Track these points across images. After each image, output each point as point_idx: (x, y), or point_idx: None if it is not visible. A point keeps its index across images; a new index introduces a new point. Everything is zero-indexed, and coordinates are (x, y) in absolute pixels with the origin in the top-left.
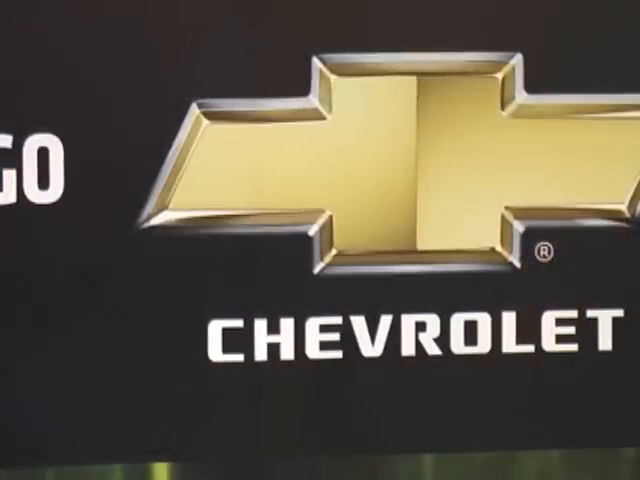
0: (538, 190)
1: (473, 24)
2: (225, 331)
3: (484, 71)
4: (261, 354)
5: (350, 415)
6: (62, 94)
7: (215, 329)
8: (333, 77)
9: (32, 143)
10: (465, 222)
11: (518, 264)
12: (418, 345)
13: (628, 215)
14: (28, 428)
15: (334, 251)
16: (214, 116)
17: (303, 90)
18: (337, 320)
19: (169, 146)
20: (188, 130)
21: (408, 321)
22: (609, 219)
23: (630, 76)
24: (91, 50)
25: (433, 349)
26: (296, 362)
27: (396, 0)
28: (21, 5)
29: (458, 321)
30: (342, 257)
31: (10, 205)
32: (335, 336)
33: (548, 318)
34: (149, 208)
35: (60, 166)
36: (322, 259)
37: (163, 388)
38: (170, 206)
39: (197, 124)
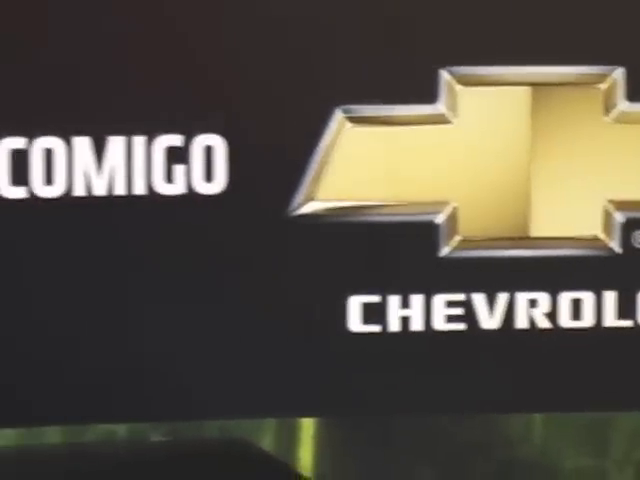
0: (637, 185)
1: (581, 40)
2: (364, 305)
3: (589, 82)
4: (394, 325)
5: (470, 378)
6: (225, 101)
7: (355, 303)
8: (458, 87)
9: (200, 142)
10: (572, 213)
11: (618, 250)
12: (530, 319)
13: None
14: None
15: (458, 237)
16: (356, 120)
17: (432, 98)
18: (460, 297)
19: (317, 145)
20: (333, 132)
21: (522, 298)
22: None
23: None
24: (253, 60)
25: (543, 323)
26: (425, 333)
27: (513, 20)
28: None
29: (565, 299)
30: (465, 242)
31: (180, 195)
32: (459, 310)
33: None
34: (299, 199)
35: (223, 162)
36: (447, 244)
37: (311, 352)
38: (317, 197)
39: (341, 127)
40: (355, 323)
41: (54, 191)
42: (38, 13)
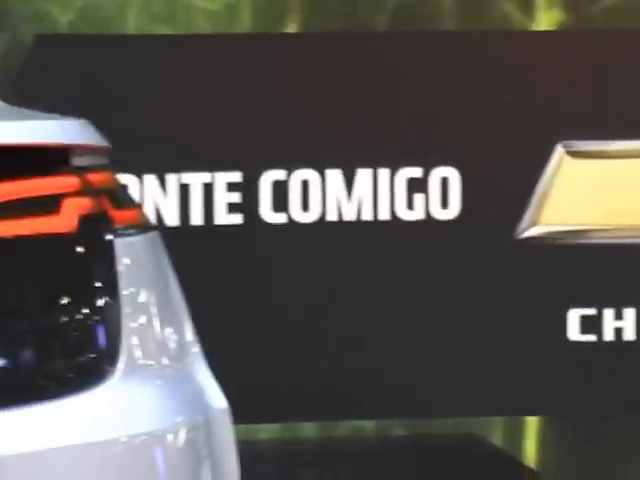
0: None
1: None
2: (581, 317)
3: None
4: (609, 335)
5: None
6: (459, 138)
7: (574, 316)
8: None
9: (437, 174)
10: None
11: None
12: None
13: None
14: None
15: None
16: (575, 154)
17: None
18: None
19: (540, 176)
20: (555, 164)
21: None
22: None
23: None
24: (482, 107)
25: None
26: (636, 342)
27: None
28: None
29: None
30: None
31: (419, 221)
32: None
33: None
34: (524, 223)
35: (458, 191)
36: None
37: (535, 358)
38: (540, 222)
39: (561, 160)
40: (574, 333)
41: (310, 217)
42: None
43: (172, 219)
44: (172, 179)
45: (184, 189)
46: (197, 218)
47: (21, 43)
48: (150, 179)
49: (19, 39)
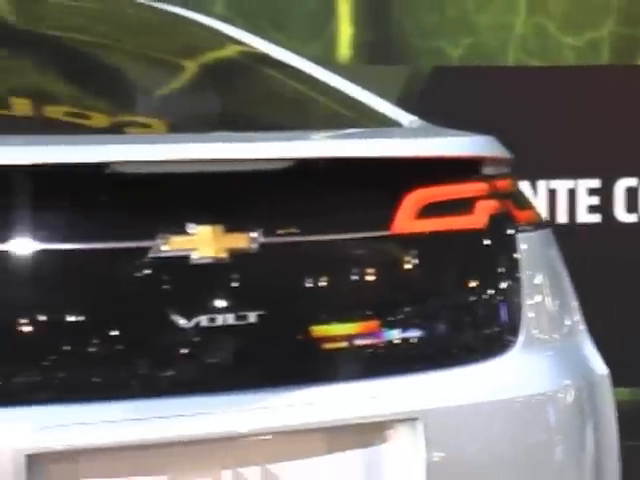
0: None
1: None
2: None
3: None
4: None
5: None
6: None
7: None
8: None
9: None
10: None
11: None
12: None
13: None
14: None
15: None
16: None
17: None
18: None
19: None
20: None
21: None
22: None
23: None
24: None
25: None
26: None
27: None
28: None
29: None
30: None
31: None
32: None
33: None
34: None
35: None
36: None
37: None
38: None
39: None
40: None
41: None
42: None
43: None
44: (542, 185)
45: (552, 193)
46: (562, 218)
47: (420, 74)
48: (524, 184)
49: (419, 71)
